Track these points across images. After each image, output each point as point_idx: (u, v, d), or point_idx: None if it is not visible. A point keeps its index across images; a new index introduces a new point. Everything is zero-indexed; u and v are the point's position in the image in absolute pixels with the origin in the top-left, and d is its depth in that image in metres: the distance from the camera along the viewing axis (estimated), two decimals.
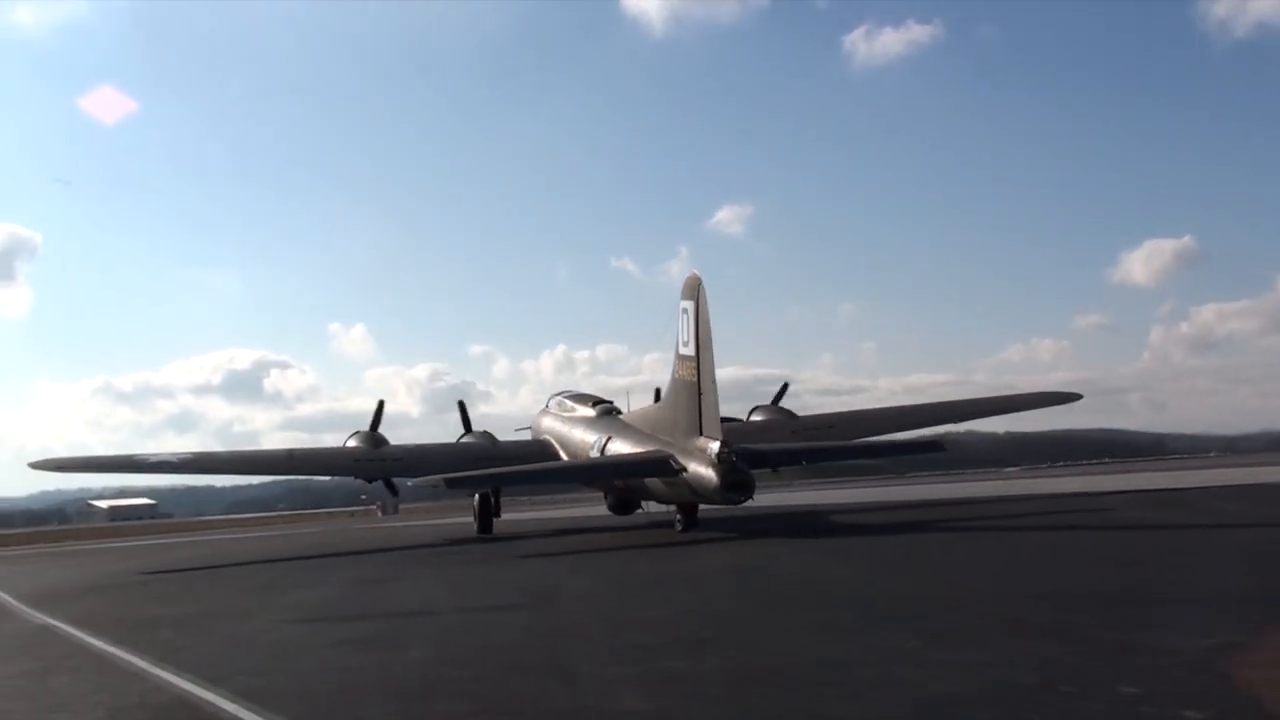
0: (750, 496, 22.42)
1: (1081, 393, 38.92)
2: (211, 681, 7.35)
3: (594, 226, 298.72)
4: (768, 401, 33.09)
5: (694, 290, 23.25)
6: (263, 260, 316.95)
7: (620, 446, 25.95)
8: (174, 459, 33.42)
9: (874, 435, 37.90)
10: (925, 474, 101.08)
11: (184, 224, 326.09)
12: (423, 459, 32.16)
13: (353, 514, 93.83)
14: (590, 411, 30.21)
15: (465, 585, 14.93)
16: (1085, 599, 9.00)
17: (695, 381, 22.64)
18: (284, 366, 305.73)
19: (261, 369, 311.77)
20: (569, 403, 31.60)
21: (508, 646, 8.35)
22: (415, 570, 18.69)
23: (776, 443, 29.86)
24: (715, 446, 21.79)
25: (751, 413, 32.94)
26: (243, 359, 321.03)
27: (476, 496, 31.36)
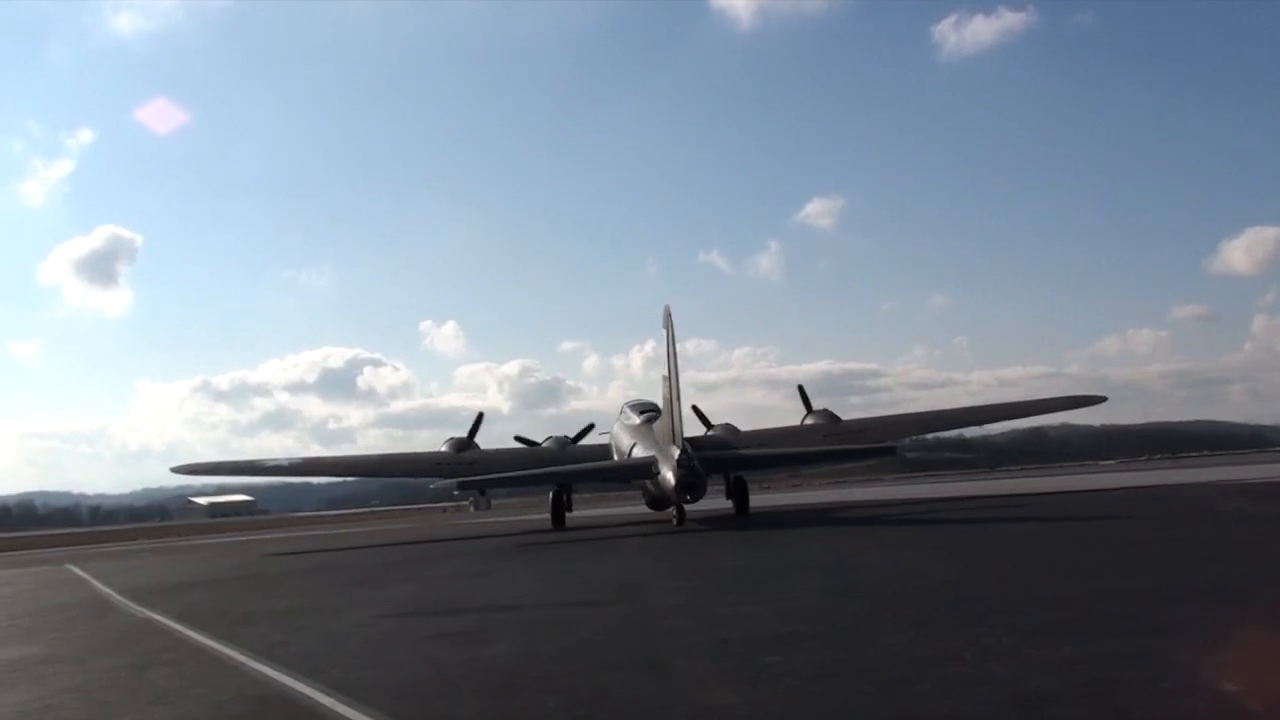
0: (698, 497, 26.80)
1: (1106, 395, 41.92)
2: (308, 675, 7.47)
3: (683, 221, 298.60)
4: (842, 401, 37.42)
5: (666, 320, 27.24)
6: (356, 259, 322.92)
7: (640, 452, 29.41)
8: (286, 463, 39.39)
9: (904, 438, 43.81)
10: (1015, 468, 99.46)
11: (279, 224, 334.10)
12: (495, 463, 35.86)
13: (445, 510, 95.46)
14: (637, 420, 33.00)
15: (552, 580, 15.03)
16: (1175, 595, 8.75)
17: (670, 399, 27.15)
18: (377, 364, 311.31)
19: (355, 367, 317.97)
20: (628, 410, 34.33)
21: (595, 641, 8.36)
22: (504, 565, 18.86)
23: (776, 448, 34.18)
24: (676, 454, 26.06)
25: (805, 418, 36.88)
26: (337, 357, 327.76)
27: (551, 494, 35.18)
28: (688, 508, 27.25)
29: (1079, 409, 40.03)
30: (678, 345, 27.65)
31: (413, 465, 39.50)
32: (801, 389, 38.71)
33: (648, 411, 33.29)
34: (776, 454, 34.17)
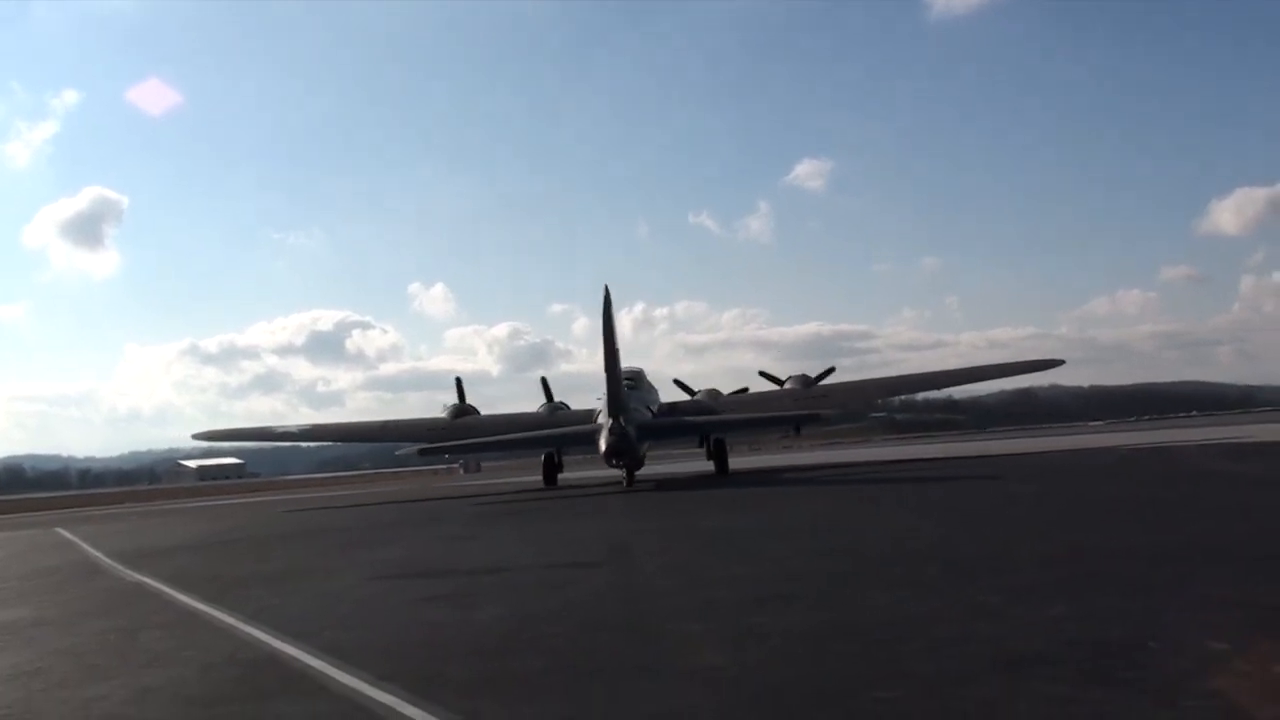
0: (628, 463, 29.65)
1: (1064, 358, 43.94)
2: (298, 638, 7.50)
3: (673, 183, 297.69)
4: (832, 365, 39.39)
5: (605, 300, 28.69)
6: (344, 221, 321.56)
7: (602, 419, 30.95)
8: (296, 430, 42.93)
9: (866, 404, 48.92)
10: (1002, 430, 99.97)
11: (269, 186, 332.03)
12: (486, 428, 38.11)
13: (436, 473, 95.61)
14: None
15: (541, 541, 15.09)
16: (1163, 553, 8.81)
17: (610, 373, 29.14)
18: (366, 327, 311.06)
19: (344, 329, 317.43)
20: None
21: (585, 603, 8.39)
22: (493, 528, 18.92)
23: (747, 412, 37.03)
24: (610, 423, 28.70)
25: (786, 380, 39.09)
26: (326, 320, 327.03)
27: (543, 455, 37.14)
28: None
29: (1037, 372, 42.98)
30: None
31: (411, 431, 41.31)
32: (764, 373, 40.82)
33: (624, 379, 34.65)
34: (721, 420, 36.17)
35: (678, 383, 40.08)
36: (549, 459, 36.75)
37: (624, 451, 29.15)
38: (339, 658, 6.65)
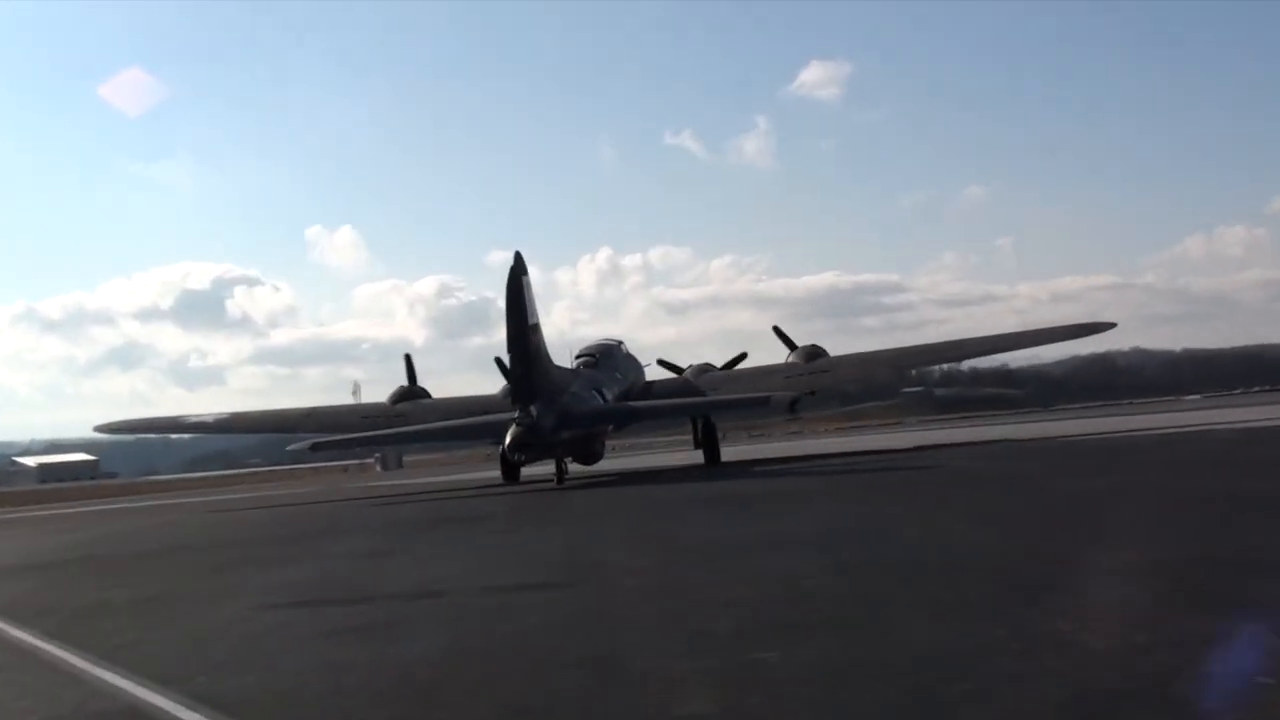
0: (531, 457, 32.50)
1: (1115, 321, 43.76)
2: (166, 684, 7.45)
3: (645, 93, 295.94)
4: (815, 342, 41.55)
5: (514, 269, 31.31)
6: (224, 149, 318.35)
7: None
8: (210, 419, 45.73)
9: (868, 378, 53.41)
10: (1071, 408, 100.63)
11: (125, 106, 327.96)
12: (429, 412, 40.87)
13: (346, 470, 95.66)
14: (575, 363, 38.22)
15: (485, 555, 15.18)
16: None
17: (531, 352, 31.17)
18: (252, 283, 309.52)
19: (224, 287, 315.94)
20: (578, 353, 39.42)
21: (540, 635, 8.39)
22: (423, 539, 18.96)
23: (715, 394, 38.70)
24: (517, 414, 30.53)
25: (789, 354, 41.39)
26: (200, 275, 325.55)
27: (500, 447, 37.94)
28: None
29: (1083, 337, 44.34)
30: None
31: (342, 419, 43.70)
32: (778, 329, 42.71)
33: (582, 357, 38.55)
34: (666, 405, 38.77)
35: (662, 363, 42.69)
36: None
37: (531, 446, 31.03)
38: (218, 709, 6.61)
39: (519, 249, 31.79)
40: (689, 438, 40.88)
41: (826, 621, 7.92)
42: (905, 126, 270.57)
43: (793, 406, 40.61)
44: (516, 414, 30.62)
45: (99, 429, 50.48)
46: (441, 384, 45.41)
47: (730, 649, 7.17)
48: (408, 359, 44.12)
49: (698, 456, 40.15)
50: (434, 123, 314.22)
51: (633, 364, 41.69)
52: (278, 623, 10.37)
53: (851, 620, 7.96)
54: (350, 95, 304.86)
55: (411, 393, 43.10)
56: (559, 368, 36.15)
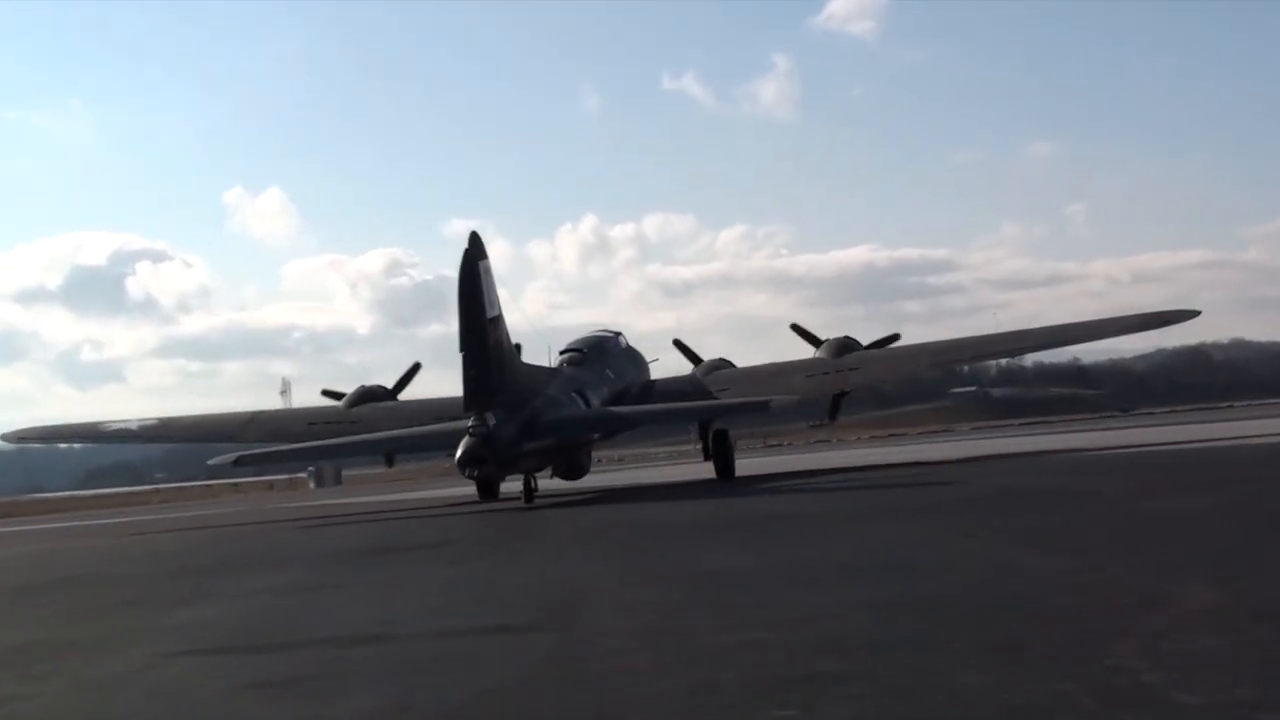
0: (484, 472, 33.51)
1: (1199, 309, 44.04)
2: None
3: (638, 28, 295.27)
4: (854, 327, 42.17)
5: (469, 250, 32.43)
6: (126, 95, 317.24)
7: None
8: (136, 426, 46.21)
9: (902, 376, 54.61)
10: (1156, 411, 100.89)
11: (6, 44, 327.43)
12: (387, 418, 41.61)
13: (272, 486, 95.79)
14: (558, 360, 39.65)
15: (444, 591, 14.99)
16: None
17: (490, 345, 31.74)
18: (159, 258, 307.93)
19: (123, 262, 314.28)
20: (563, 348, 40.85)
21: (511, 689, 8.17)
22: (370, 571, 18.81)
23: (702, 400, 39.80)
24: (471, 423, 31.00)
25: (820, 346, 42.26)
26: (95, 248, 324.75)
27: None
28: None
29: (1161, 327, 43.53)
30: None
31: (285, 424, 45.20)
32: (796, 326, 43.46)
33: (567, 353, 39.89)
34: (653, 411, 40.42)
35: (678, 344, 44.00)
36: None
37: (483, 460, 31.53)
38: None
39: (479, 226, 31.85)
40: (699, 446, 41.23)
41: (858, 672, 7.88)
42: (956, 70, 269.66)
43: (833, 412, 40.77)
44: (471, 423, 30.92)
45: (4, 438, 51.46)
46: (380, 377, 45.28)
47: (741, 707, 7.03)
48: (415, 368, 45.24)
49: (707, 469, 40.58)
50: (381, 62, 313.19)
51: (632, 360, 41.84)
52: (189, 673, 10.09)
53: (887, 670, 7.94)
54: (279, 31, 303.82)
55: (372, 394, 43.36)
56: (532, 367, 36.53)
